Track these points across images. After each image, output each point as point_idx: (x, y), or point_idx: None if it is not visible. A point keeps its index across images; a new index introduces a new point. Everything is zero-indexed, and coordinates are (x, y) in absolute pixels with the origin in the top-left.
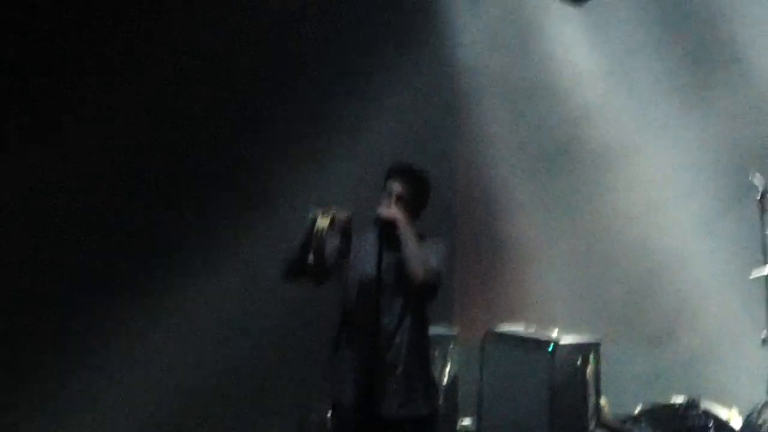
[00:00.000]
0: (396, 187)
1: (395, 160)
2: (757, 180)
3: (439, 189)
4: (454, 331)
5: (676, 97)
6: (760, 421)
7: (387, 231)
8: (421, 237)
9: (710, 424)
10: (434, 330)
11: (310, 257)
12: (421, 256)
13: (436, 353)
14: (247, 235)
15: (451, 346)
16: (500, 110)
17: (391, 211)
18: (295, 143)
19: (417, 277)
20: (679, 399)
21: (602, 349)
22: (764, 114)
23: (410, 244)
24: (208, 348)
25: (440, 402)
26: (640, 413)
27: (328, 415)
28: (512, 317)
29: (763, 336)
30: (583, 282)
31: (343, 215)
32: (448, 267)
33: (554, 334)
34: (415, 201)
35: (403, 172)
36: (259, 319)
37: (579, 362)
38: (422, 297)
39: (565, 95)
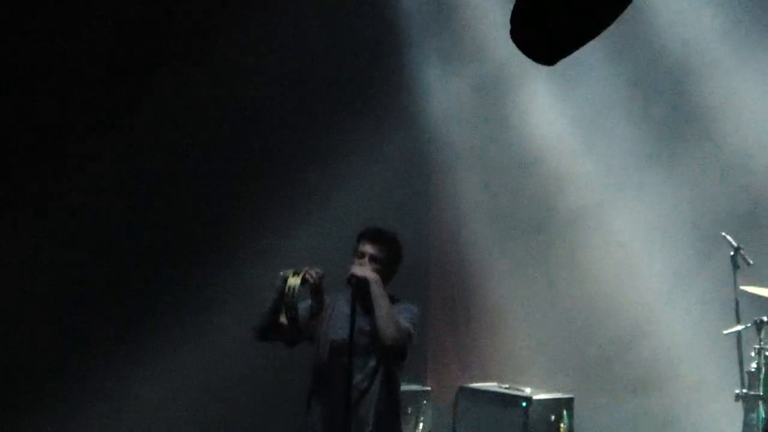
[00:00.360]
0: (369, 248)
1: (367, 225)
2: (729, 238)
3: (414, 249)
4: (428, 387)
5: (648, 159)
6: None
7: (360, 291)
8: (393, 299)
9: None
10: (408, 387)
11: (282, 318)
12: (392, 317)
13: (410, 410)
14: (215, 301)
15: (425, 403)
16: (473, 176)
17: (364, 270)
18: (267, 209)
19: (387, 338)
20: None
21: (576, 405)
22: (734, 175)
23: (382, 305)
24: (180, 411)
25: None
26: None
27: None
28: (485, 374)
29: (736, 392)
30: (557, 339)
31: (314, 273)
32: (420, 328)
33: (527, 390)
34: (388, 264)
35: (376, 234)
36: (230, 379)
37: (553, 418)
38: (392, 357)
39: (537, 159)
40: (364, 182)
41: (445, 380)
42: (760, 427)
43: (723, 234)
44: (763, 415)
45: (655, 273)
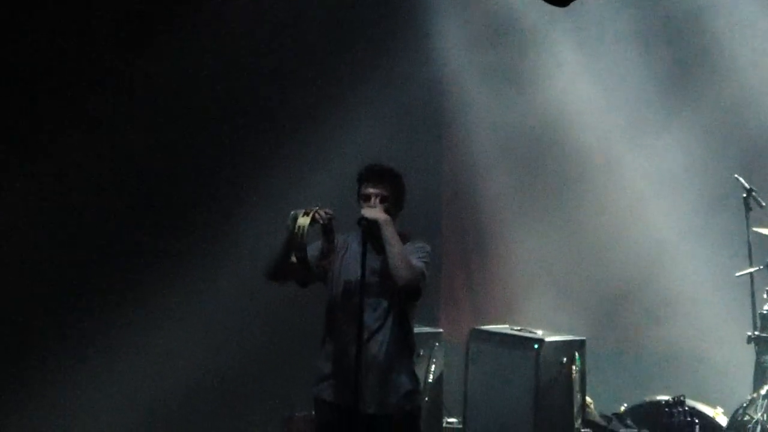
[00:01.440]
0: (372, 188)
1: (366, 164)
2: (741, 180)
3: (426, 191)
4: (440, 329)
5: (660, 102)
6: (745, 419)
7: (371, 232)
8: (404, 237)
9: (696, 422)
10: (420, 328)
11: (293, 257)
12: (404, 257)
13: (422, 351)
14: (233, 237)
15: (437, 345)
16: (486, 116)
17: (375, 211)
18: (277, 148)
19: (401, 278)
20: (664, 397)
21: (588, 348)
22: (745, 117)
23: (394, 245)
24: (195, 346)
25: (425, 400)
26: (626, 411)
27: (312, 411)
28: (497, 317)
29: (748, 334)
30: (569, 281)
31: (323, 213)
32: (432, 267)
33: (539, 332)
34: (395, 198)
35: (376, 173)
36: (246, 317)
37: (564, 360)
38: (406, 297)
39: (550, 100)
40: (378, 126)
41: (458, 322)
42: None
43: (735, 176)
44: None
45: (668, 216)
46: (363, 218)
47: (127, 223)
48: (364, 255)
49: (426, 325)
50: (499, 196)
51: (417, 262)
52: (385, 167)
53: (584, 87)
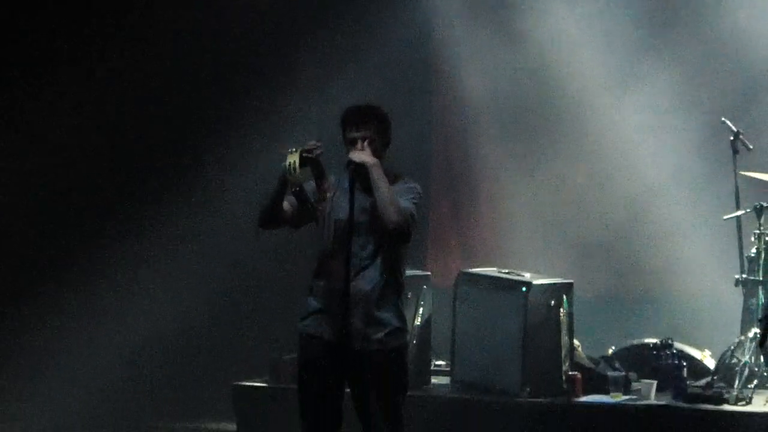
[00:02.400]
0: (356, 132)
1: (348, 107)
2: (729, 123)
3: (416, 135)
4: (428, 272)
5: (647, 45)
6: (733, 361)
7: (360, 174)
8: (395, 176)
9: (683, 364)
10: (408, 271)
11: (286, 202)
12: (393, 199)
13: (409, 294)
14: (222, 183)
15: (425, 288)
16: (475, 63)
17: (362, 154)
18: (263, 98)
19: (389, 221)
20: (651, 340)
21: (575, 291)
22: (733, 58)
23: (382, 188)
24: (185, 288)
25: (413, 342)
26: (614, 354)
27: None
28: (485, 260)
29: (736, 277)
30: (557, 225)
31: (310, 146)
32: (421, 208)
33: (527, 275)
34: (382, 137)
35: (358, 115)
36: (235, 260)
37: (552, 303)
38: (396, 240)
39: (538, 47)
40: (367, 72)
41: (446, 265)
42: (760, 312)
43: (723, 119)
44: (763, 300)
45: (655, 160)
46: (351, 162)
47: (96, 187)
48: (352, 194)
49: (414, 268)
50: (488, 140)
51: (406, 204)
52: (366, 107)
53: (571, 33)
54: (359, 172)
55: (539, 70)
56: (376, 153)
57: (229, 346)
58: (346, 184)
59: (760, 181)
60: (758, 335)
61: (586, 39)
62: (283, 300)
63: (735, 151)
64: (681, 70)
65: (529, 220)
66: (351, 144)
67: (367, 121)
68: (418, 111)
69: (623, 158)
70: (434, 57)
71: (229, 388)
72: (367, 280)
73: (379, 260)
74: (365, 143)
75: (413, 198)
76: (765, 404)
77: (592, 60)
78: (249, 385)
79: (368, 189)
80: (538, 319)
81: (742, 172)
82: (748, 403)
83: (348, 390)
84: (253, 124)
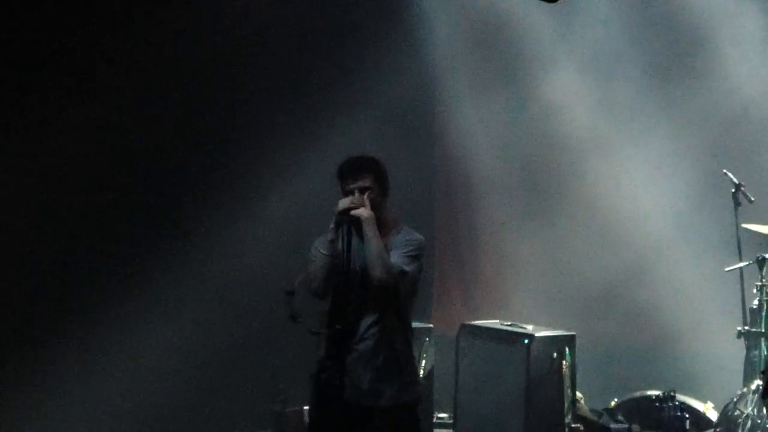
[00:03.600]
0: (353, 183)
1: (343, 160)
2: (730, 175)
3: (419, 186)
4: (431, 324)
5: (651, 96)
6: (736, 413)
7: (353, 227)
8: (396, 226)
9: (686, 417)
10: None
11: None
12: (381, 257)
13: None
14: (222, 233)
15: (427, 340)
16: (477, 111)
17: (360, 210)
18: (274, 140)
19: (375, 277)
20: (654, 392)
21: (578, 343)
22: (735, 112)
23: (373, 243)
24: (191, 334)
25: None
26: (616, 406)
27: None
28: (488, 312)
29: (738, 329)
30: (560, 277)
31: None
32: (423, 259)
33: (530, 327)
34: (379, 186)
35: (354, 166)
36: (243, 308)
37: (555, 355)
38: (382, 295)
39: (542, 94)
40: (369, 121)
41: (448, 317)
42: (763, 364)
43: (724, 171)
44: (766, 352)
45: (657, 212)
46: (346, 212)
47: (114, 218)
48: (349, 248)
49: (417, 320)
50: (492, 192)
51: (398, 260)
52: (362, 158)
53: (576, 80)
54: (354, 221)
55: (543, 125)
56: (374, 203)
57: (232, 397)
58: (346, 236)
59: (762, 233)
60: (761, 387)
61: (588, 97)
62: (287, 351)
63: (737, 204)
64: (681, 125)
65: (531, 273)
66: (351, 192)
67: (363, 171)
68: (423, 162)
69: (626, 212)
70: (439, 109)
71: None
72: (376, 334)
73: (387, 312)
74: (365, 196)
75: (411, 251)
76: None
77: (594, 117)
78: None
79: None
80: (541, 372)
81: (744, 225)
82: None
83: None
84: (266, 169)
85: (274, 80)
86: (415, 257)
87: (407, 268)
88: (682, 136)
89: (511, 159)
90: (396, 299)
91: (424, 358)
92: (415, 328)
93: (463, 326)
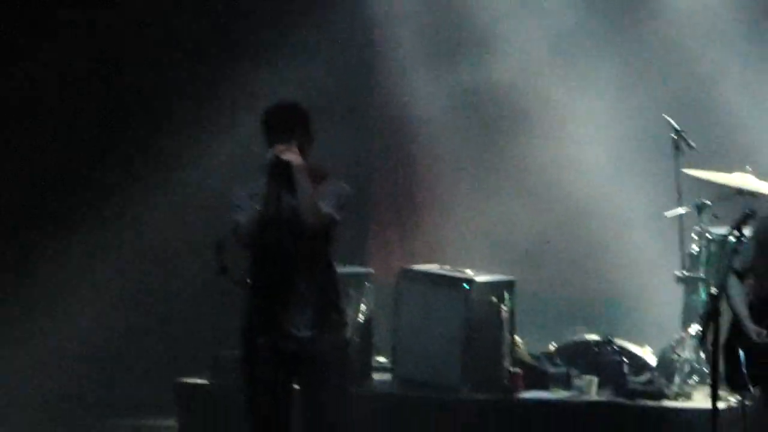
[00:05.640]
0: (284, 131)
1: (267, 109)
2: (671, 121)
3: (358, 129)
4: (370, 269)
5: (593, 43)
6: (674, 357)
7: (283, 173)
8: (323, 176)
9: (624, 361)
10: (350, 269)
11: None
12: (312, 203)
13: (351, 292)
14: (168, 176)
15: (367, 285)
16: (419, 57)
17: (289, 153)
18: (207, 90)
19: (307, 222)
20: (593, 337)
21: (517, 288)
22: (676, 58)
23: (304, 190)
24: (126, 286)
25: (356, 339)
26: (555, 351)
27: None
28: (428, 257)
29: (677, 274)
30: (500, 223)
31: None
32: (348, 209)
33: (470, 272)
34: (303, 134)
35: (279, 114)
36: (176, 257)
37: (494, 300)
38: (315, 240)
39: (486, 48)
40: (309, 67)
41: (388, 262)
42: (701, 308)
43: (665, 117)
44: (704, 297)
45: (598, 157)
46: (276, 158)
47: (27, 184)
48: (278, 194)
49: (356, 265)
50: (432, 138)
51: (327, 208)
52: (287, 106)
53: (519, 37)
54: (284, 171)
55: (485, 72)
56: (301, 152)
57: (170, 344)
58: (273, 183)
59: (702, 179)
60: (699, 331)
61: (532, 42)
62: (224, 296)
63: (677, 149)
64: (625, 71)
65: (471, 219)
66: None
67: (291, 120)
68: (362, 109)
69: (567, 158)
70: (379, 55)
71: (171, 385)
72: (304, 278)
73: (312, 256)
74: (292, 143)
75: (337, 201)
76: (705, 400)
77: (539, 62)
78: (190, 383)
79: (293, 188)
80: (480, 316)
81: (684, 170)
82: (689, 398)
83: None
84: (194, 119)
85: (199, 32)
86: (343, 207)
87: (338, 217)
88: (625, 82)
89: (451, 109)
90: (326, 246)
91: (363, 303)
92: (355, 273)
93: (403, 271)
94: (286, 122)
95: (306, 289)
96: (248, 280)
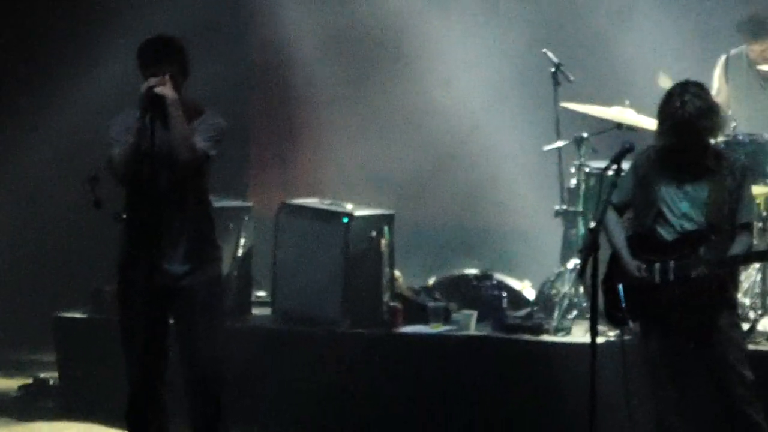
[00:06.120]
0: (158, 67)
1: (143, 42)
2: (550, 55)
3: (235, 61)
4: (249, 203)
5: None
6: (553, 292)
7: (156, 107)
8: (198, 110)
9: (503, 295)
10: (229, 202)
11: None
12: (185, 137)
13: (231, 225)
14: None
15: (246, 219)
16: None
17: (163, 87)
18: (80, 34)
19: (180, 158)
20: (472, 271)
21: (397, 222)
22: None
23: (178, 124)
24: (3, 219)
25: (235, 273)
26: (434, 284)
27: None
28: (308, 191)
29: (556, 208)
30: (379, 157)
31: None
32: (221, 145)
33: (349, 206)
34: (180, 71)
35: (158, 51)
36: (53, 190)
37: (374, 234)
38: (186, 175)
39: None
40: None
41: (267, 196)
42: (580, 243)
43: (544, 50)
44: (583, 231)
45: (476, 91)
46: (150, 90)
47: None
48: (152, 128)
49: (235, 199)
50: (309, 71)
51: (201, 143)
52: (163, 39)
53: None
54: (157, 104)
55: (360, 6)
56: (175, 86)
57: (49, 277)
58: (147, 117)
59: (581, 113)
60: (578, 266)
61: None
62: (102, 230)
63: (556, 83)
64: (502, 3)
65: (350, 152)
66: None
67: (166, 54)
68: (238, 41)
69: (445, 90)
70: None
71: (50, 319)
72: (176, 212)
73: (184, 190)
74: (165, 77)
75: (211, 135)
76: (584, 335)
77: (415, 1)
78: (69, 317)
79: (166, 122)
80: (360, 250)
81: (563, 104)
82: (568, 333)
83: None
84: (69, 53)
85: None
86: (218, 142)
87: (212, 152)
88: (503, 14)
89: (329, 37)
90: (199, 181)
91: (243, 237)
92: (234, 207)
93: (282, 205)
94: (161, 56)
95: (179, 224)
96: (123, 215)
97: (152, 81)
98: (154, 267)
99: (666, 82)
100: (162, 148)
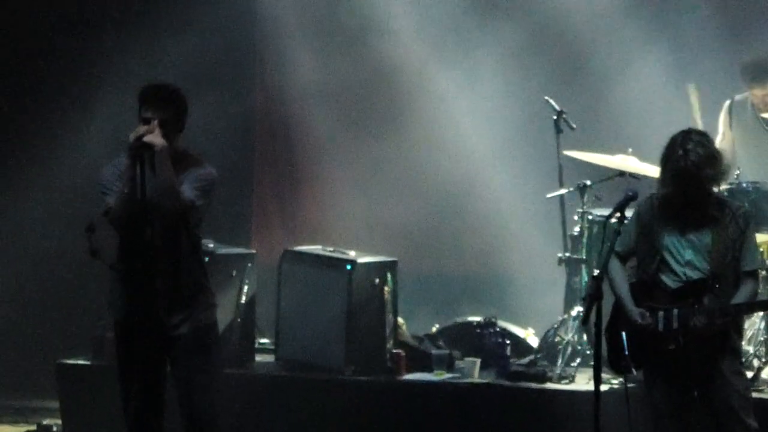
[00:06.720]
0: (151, 112)
1: (145, 85)
2: (552, 102)
3: (239, 111)
4: (252, 250)
5: (472, 24)
6: (556, 340)
7: (144, 156)
8: (190, 160)
9: (507, 343)
10: (232, 250)
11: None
12: (172, 187)
13: (234, 273)
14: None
15: (249, 266)
16: (303, 42)
17: (153, 136)
18: (80, 78)
19: (164, 206)
20: (476, 318)
21: (400, 270)
22: (554, 38)
23: (165, 173)
24: (8, 265)
25: (238, 320)
26: (437, 332)
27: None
28: (311, 239)
29: (559, 255)
30: (382, 205)
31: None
32: (209, 199)
33: (352, 253)
34: (175, 123)
35: (155, 94)
36: (60, 237)
37: (377, 282)
38: (174, 226)
39: (362, 35)
40: (191, 46)
41: (270, 243)
42: (583, 290)
43: (546, 98)
44: (586, 279)
45: (479, 139)
46: (139, 139)
47: None
48: (143, 176)
49: (238, 246)
50: (313, 121)
51: (188, 192)
52: (165, 87)
53: (396, 21)
54: (143, 153)
55: (364, 55)
56: (166, 137)
57: (51, 325)
58: (137, 165)
59: (583, 160)
60: (581, 314)
61: (409, 26)
62: (104, 278)
63: (558, 131)
64: (504, 53)
65: (354, 200)
66: (144, 123)
67: (164, 102)
68: (244, 91)
69: (448, 139)
70: (261, 33)
71: (53, 365)
72: (169, 259)
73: (177, 237)
74: (155, 123)
75: (201, 185)
76: (587, 382)
77: (416, 44)
78: (72, 363)
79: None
80: (363, 298)
81: (565, 152)
82: (571, 381)
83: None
84: (64, 98)
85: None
86: (207, 192)
87: (198, 202)
88: (505, 64)
89: (332, 89)
90: (186, 229)
91: (246, 284)
92: (237, 254)
93: (286, 252)
94: (161, 102)
95: (172, 272)
96: (119, 264)
97: (141, 129)
98: (148, 316)
99: (695, 95)
100: (153, 196)
